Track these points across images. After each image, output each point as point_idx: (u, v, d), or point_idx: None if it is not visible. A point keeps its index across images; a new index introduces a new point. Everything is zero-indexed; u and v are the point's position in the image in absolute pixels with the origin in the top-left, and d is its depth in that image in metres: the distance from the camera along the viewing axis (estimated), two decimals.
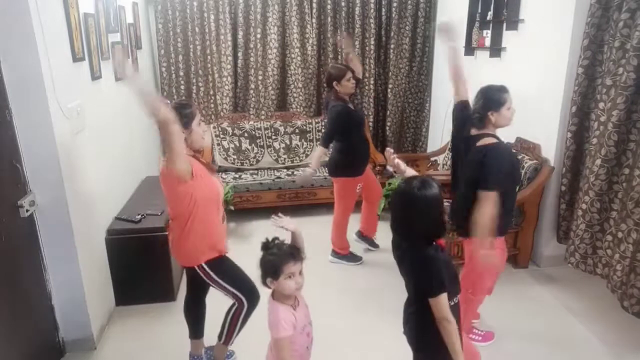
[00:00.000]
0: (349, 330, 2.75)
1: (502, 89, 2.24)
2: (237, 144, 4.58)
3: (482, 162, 2.14)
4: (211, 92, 4.71)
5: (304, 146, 4.73)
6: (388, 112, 5.07)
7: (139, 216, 2.98)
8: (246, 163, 4.59)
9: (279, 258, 1.66)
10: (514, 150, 3.29)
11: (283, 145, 4.69)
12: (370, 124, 5.02)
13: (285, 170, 4.56)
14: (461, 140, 2.37)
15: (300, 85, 4.78)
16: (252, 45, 4.62)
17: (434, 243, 1.67)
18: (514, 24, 3.52)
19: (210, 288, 2.31)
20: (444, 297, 1.59)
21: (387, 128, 5.12)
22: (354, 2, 4.68)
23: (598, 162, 2.74)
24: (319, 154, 3.31)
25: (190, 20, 4.47)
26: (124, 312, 2.91)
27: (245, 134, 4.61)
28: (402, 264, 1.74)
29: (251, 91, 4.76)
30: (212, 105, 4.76)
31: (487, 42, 3.84)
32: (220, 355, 2.36)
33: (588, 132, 2.98)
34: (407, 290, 1.77)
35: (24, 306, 2.24)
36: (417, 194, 1.61)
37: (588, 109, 2.97)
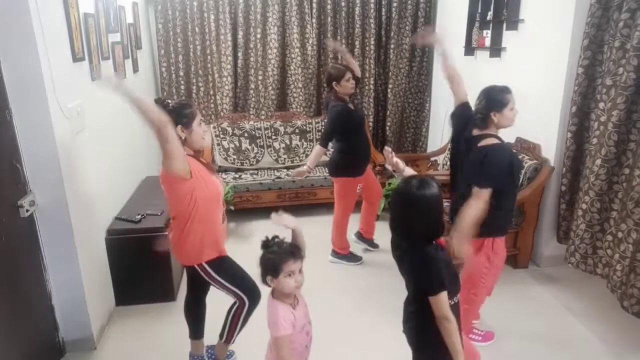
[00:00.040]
0: (349, 330, 2.75)
1: (505, 90, 2.24)
2: (237, 144, 4.58)
3: (482, 162, 2.13)
4: (211, 92, 4.71)
5: (304, 146, 4.73)
6: (388, 112, 5.07)
7: (139, 216, 2.98)
8: (246, 163, 4.59)
9: (278, 256, 1.67)
10: (515, 151, 3.29)
11: (283, 145, 4.69)
12: (370, 124, 5.02)
13: (285, 170, 4.55)
14: (462, 141, 2.37)
15: (300, 85, 4.78)
16: (252, 45, 4.62)
17: (434, 242, 1.67)
18: (514, 24, 3.52)
19: (211, 288, 2.31)
20: (444, 295, 1.59)
21: (387, 128, 5.12)
22: (354, 2, 4.68)
23: (598, 162, 2.74)
24: (316, 153, 3.31)
25: (190, 20, 4.47)
26: (124, 312, 2.92)
27: (245, 134, 4.61)
28: (402, 264, 1.74)
29: (251, 91, 4.76)
30: (212, 105, 4.76)
31: (487, 42, 3.84)
32: (221, 353, 2.36)
33: (588, 132, 2.98)
34: (407, 290, 1.77)
35: (24, 306, 2.24)
36: (416, 193, 1.61)
37: (588, 109, 2.97)
